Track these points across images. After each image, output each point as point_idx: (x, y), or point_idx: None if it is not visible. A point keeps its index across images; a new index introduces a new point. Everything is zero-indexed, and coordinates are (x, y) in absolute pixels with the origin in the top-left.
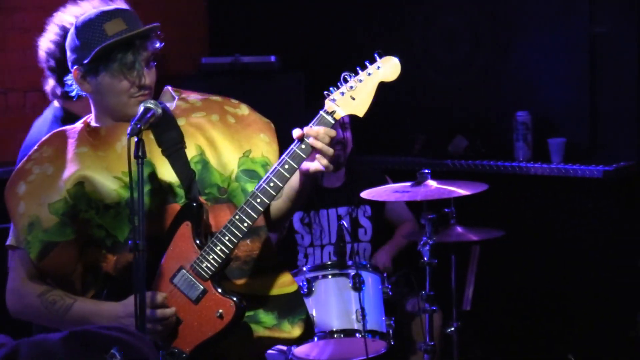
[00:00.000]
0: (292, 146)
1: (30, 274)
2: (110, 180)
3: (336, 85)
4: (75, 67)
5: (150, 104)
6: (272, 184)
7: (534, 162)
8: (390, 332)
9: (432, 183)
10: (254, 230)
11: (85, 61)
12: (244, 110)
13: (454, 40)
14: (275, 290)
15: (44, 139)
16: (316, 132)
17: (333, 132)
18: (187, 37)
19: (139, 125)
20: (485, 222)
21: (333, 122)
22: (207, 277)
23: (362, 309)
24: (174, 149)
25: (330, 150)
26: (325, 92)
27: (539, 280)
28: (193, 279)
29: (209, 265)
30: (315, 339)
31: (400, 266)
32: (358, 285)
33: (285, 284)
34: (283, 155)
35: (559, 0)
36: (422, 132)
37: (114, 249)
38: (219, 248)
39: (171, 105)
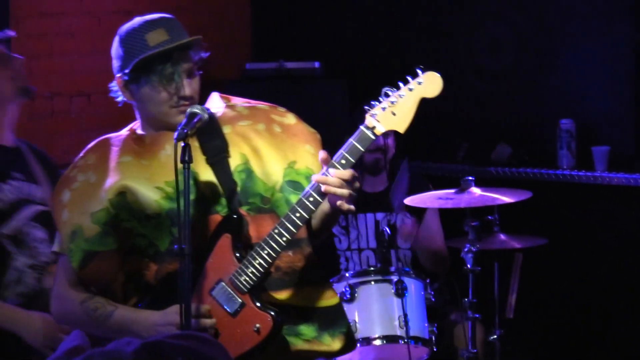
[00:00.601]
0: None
1: (73, 281)
2: (152, 191)
3: (377, 100)
4: (118, 75)
5: (197, 109)
6: (311, 199)
7: (577, 170)
8: (433, 338)
9: (476, 190)
10: (295, 242)
11: (127, 70)
12: (291, 119)
13: (498, 49)
14: (317, 303)
15: (89, 146)
16: (324, 180)
17: (346, 174)
18: (231, 42)
19: (185, 130)
20: (529, 230)
21: (373, 137)
22: (246, 290)
23: (405, 315)
24: (219, 157)
25: (345, 192)
26: (366, 107)
27: (582, 288)
28: (232, 292)
29: (247, 278)
30: (358, 345)
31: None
32: (401, 292)
33: (326, 296)
34: (322, 170)
35: (603, 8)
36: (466, 140)
37: (155, 258)
38: (257, 262)
39: (218, 112)
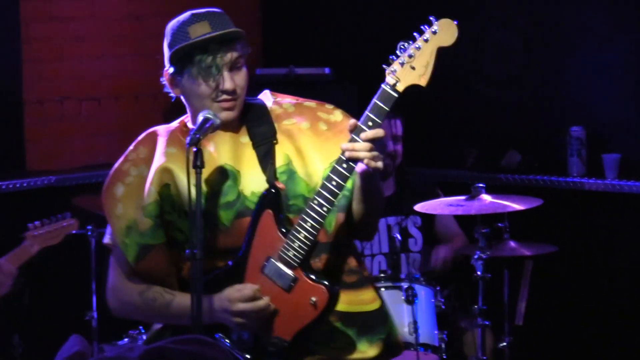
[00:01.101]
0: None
1: (129, 273)
2: (191, 186)
3: (395, 55)
4: (165, 68)
5: (209, 114)
6: (344, 165)
7: (588, 177)
8: (443, 345)
9: (486, 197)
10: (334, 246)
11: (168, 63)
12: (338, 116)
13: (507, 55)
14: (356, 307)
15: (139, 138)
16: (351, 147)
17: (373, 133)
18: None
19: (198, 135)
20: (539, 238)
21: (396, 95)
22: (296, 264)
23: (415, 322)
24: (266, 145)
25: (368, 154)
26: (384, 65)
27: (592, 296)
28: (282, 268)
29: (295, 253)
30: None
31: (453, 280)
32: (411, 298)
33: (366, 300)
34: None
35: (613, 15)
36: (475, 146)
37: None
38: (302, 235)
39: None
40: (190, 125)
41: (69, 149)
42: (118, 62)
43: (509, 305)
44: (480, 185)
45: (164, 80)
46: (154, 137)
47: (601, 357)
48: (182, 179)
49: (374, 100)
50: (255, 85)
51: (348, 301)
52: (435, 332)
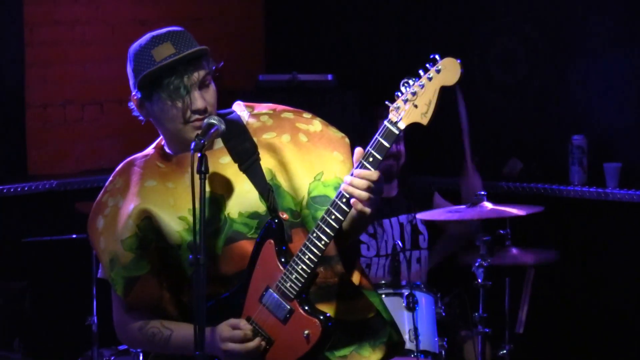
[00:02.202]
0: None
1: (126, 307)
2: (174, 221)
3: (400, 91)
4: (132, 93)
5: (214, 119)
6: (344, 200)
7: (589, 186)
8: (443, 353)
9: (488, 205)
10: (325, 260)
11: (136, 89)
12: (317, 126)
13: (511, 62)
14: (355, 316)
15: (117, 169)
16: (350, 181)
17: (373, 175)
18: (244, 53)
19: (202, 141)
20: (540, 247)
21: (397, 132)
22: (292, 296)
23: (415, 329)
24: (251, 161)
25: (365, 195)
26: (387, 101)
27: (593, 305)
28: (280, 299)
29: (292, 284)
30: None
31: (454, 287)
32: (412, 305)
33: (364, 309)
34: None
35: (617, 23)
36: (477, 154)
37: (184, 281)
38: (300, 267)
39: (243, 119)
40: (167, 149)
41: (71, 153)
42: (122, 67)
43: (510, 313)
44: (482, 192)
45: (132, 105)
46: (129, 167)
47: None
48: (163, 214)
49: (376, 136)
50: (258, 91)
51: (347, 311)
52: (436, 339)
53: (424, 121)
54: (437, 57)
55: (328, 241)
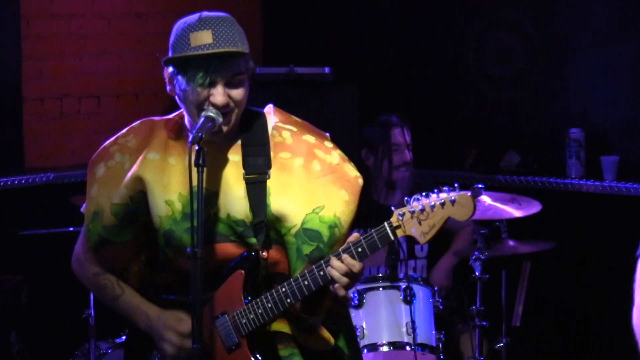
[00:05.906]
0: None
1: (91, 254)
2: (161, 204)
3: (412, 200)
4: (165, 66)
5: (212, 113)
6: (322, 273)
7: (586, 179)
8: (440, 346)
9: (486, 199)
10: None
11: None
12: (335, 158)
13: (508, 56)
14: (313, 345)
15: (134, 125)
16: (337, 265)
17: (356, 266)
18: None
19: (200, 134)
20: (537, 240)
21: (392, 238)
22: (244, 333)
23: (413, 322)
24: (258, 178)
25: (345, 281)
26: (392, 207)
27: (590, 298)
28: (232, 329)
29: (247, 323)
30: (365, 350)
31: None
32: (409, 299)
33: (320, 343)
34: (347, 244)
35: (614, 17)
36: (475, 147)
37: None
38: (260, 311)
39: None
40: (186, 122)
41: (68, 146)
42: (118, 60)
43: (507, 306)
44: (480, 185)
45: (165, 75)
46: (146, 130)
47: (598, 358)
48: (155, 192)
49: (373, 232)
50: (255, 84)
51: (303, 339)
52: (433, 332)
53: (422, 240)
54: (456, 185)
55: (294, 302)
